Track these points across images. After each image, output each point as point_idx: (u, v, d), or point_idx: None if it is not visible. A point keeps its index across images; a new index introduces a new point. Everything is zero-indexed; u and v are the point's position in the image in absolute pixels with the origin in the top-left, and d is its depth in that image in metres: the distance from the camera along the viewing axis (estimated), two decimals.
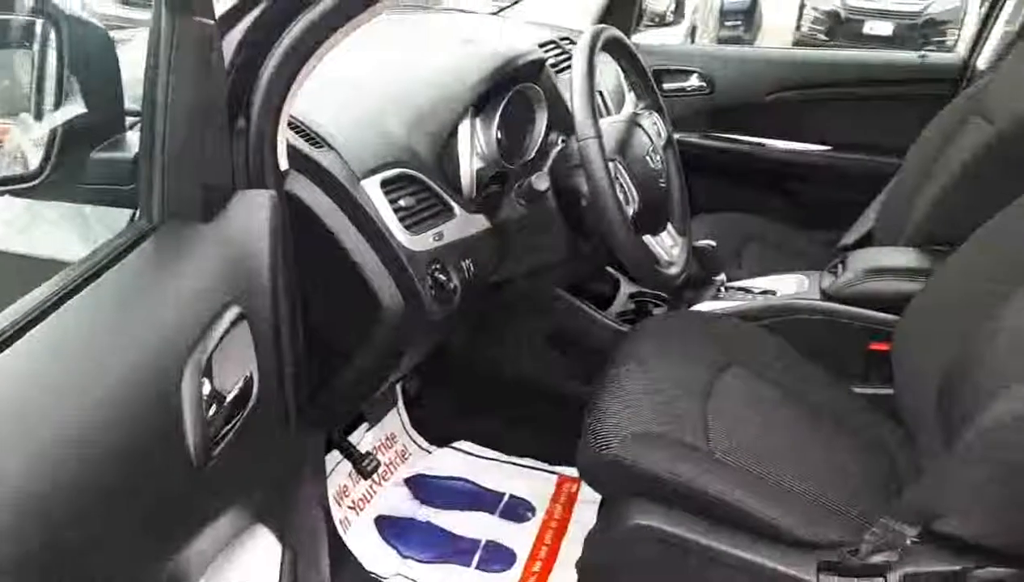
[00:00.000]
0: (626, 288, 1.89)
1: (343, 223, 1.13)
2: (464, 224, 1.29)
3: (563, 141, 1.62)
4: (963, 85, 2.16)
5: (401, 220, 1.18)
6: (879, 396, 1.52)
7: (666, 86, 2.38)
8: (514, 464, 1.83)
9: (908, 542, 1.04)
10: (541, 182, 1.28)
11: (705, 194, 2.40)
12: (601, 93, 1.99)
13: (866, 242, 2.18)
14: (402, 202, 1.19)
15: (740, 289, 1.75)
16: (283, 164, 1.09)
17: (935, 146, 1.94)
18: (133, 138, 1.02)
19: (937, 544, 1.04)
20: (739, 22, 8.77)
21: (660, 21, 2.68)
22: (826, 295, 1.62)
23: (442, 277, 1.21)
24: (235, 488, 0.85)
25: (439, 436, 1.88)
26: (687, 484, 1.18)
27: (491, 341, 1.82)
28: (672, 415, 1.28)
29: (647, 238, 1.38)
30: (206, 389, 0.70)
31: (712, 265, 1.71)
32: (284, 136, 1.08)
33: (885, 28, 8.37)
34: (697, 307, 1.70)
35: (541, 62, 1.50)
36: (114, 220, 0.88)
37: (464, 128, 1.33)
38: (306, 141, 1.14)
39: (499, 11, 2.44)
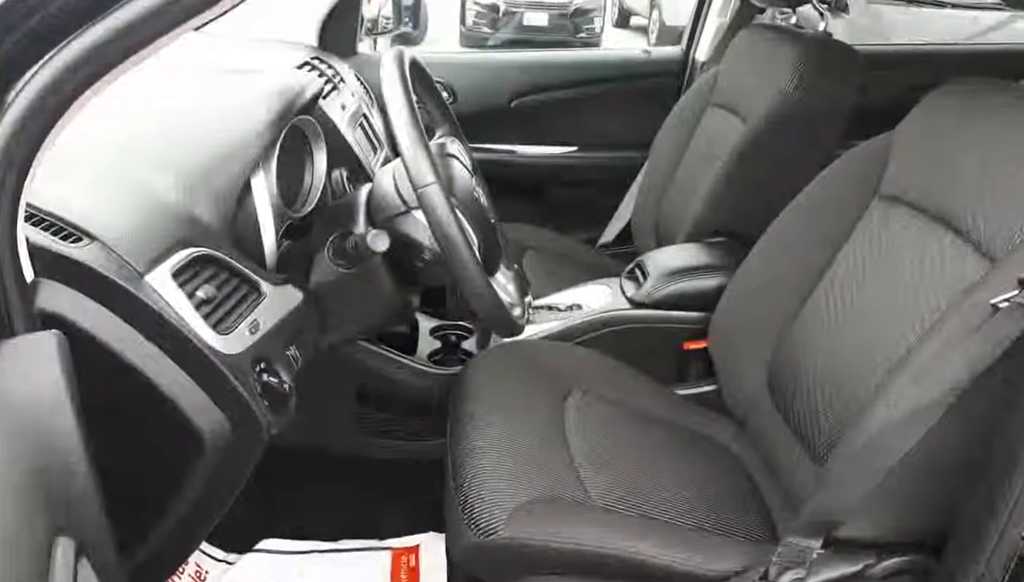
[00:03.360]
0: (426, 324, 1.72)
1: (130, 337, 0.83)
2: (277, 303, 1.04)
3: (348, 178, 1.40)
4: (686, 77, 2.30)
5: (206, 317, 0.90)
6: (702, 394, 1.56)
7: None
8: (338, 550, 1.59)
9: (814, 555, 1.04)
10: (380, 242, 1.07)
11: None
12: (370, 125, 1.79)
13: (624, 237, 2.26)
14: (202, 293, 0.91)
15: (546, 307, 1.68)
16: (28, 273, 0.77)
17: (679, 139, 2.04)
18: None
19: (840, 549, 1.05)
20: (406, 19, 8.80)
21: (373, 28, 2.50)
22: (634, 303, 1.62)
23: (272, 379, 0.95)
24: None
25: (239, 541, 1.57)
26: (582, 547, 1.08)
27: None
28: (542, 471, 1.18)
29: None
30: None
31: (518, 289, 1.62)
32: (23, 234, 0.76)
33: (541, 19, 8.99)
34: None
35: (319, 93, 1.27)
36: None
37: (259, 182, 1.06)
38: (55, 236, 0.82)
39: (200, 26, 2.09)
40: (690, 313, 1.59)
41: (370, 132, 1.75)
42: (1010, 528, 0.87)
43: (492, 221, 1.20)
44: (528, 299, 1.66)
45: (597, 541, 1.09)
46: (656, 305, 1.60)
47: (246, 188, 1.04)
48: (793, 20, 1.88)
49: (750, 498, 1.28)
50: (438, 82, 2.26)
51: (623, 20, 10.86)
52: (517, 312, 1.27)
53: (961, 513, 0.95)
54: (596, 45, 8.92)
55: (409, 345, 1.65)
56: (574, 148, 2.34)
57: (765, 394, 1.35)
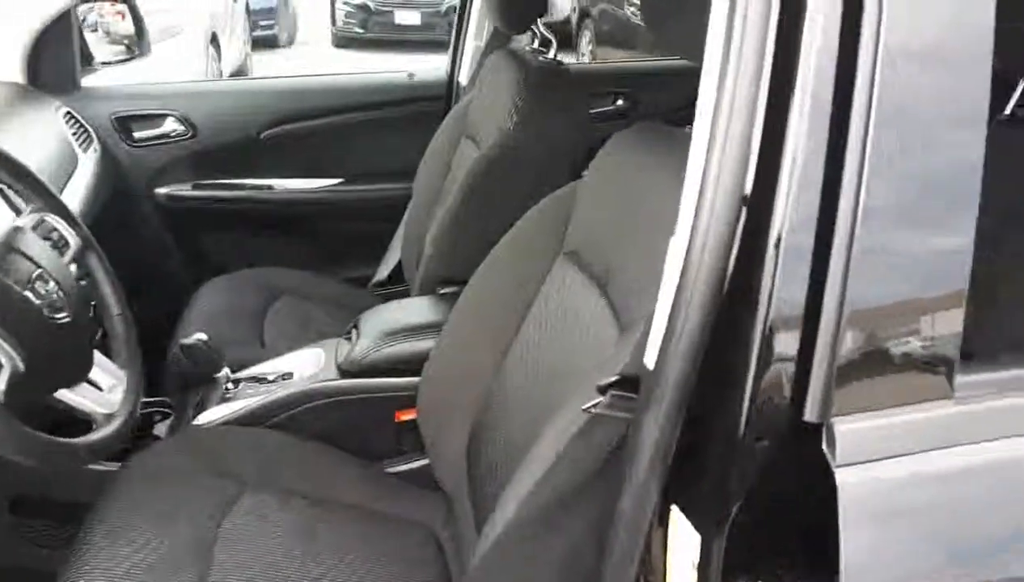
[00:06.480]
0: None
1: None
2: None
3: None
4: (453, 102, 2.14)
5: None
6: (415, 470, 1.40)
7: (138, 135, 2.00)
8: None
9: None
10: None
11: (210, 255, 2.10)
12: None
13: (400, 274, 2.09)
14: None
15: (252, 379, 1.48)
16: None
17: (437, 170, 1.89)
18: None
19: None
20: (272, 22, 8.51)
21: (133, 48, 2.24)
22: (342, 370, 1.44)
23: None
24: None
25: None
26: None
27: None
28: None
29: (64, 394, 1.03)
30: None
31: (208, 363, 1.43)
32: None
33: (413, 18, 8.80)
34: (200, 419, 1.40)
35: None
36: None
37: None
38: None
39: None
40: (403, 379, 1.43)
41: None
42: None
43: (62, 319, 0.99)
44: (224, 372, 1.48)
45: None
46: (366, 372, 1.43)
47: None
48: (535, 44, 1.74)
49: None
50: (173, 115, 2.07)
51: None
52: (112, 428, 1.07)
53: None
54: None
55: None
56: (340, 180, 2.16)
57: (464, 474, 1.22)
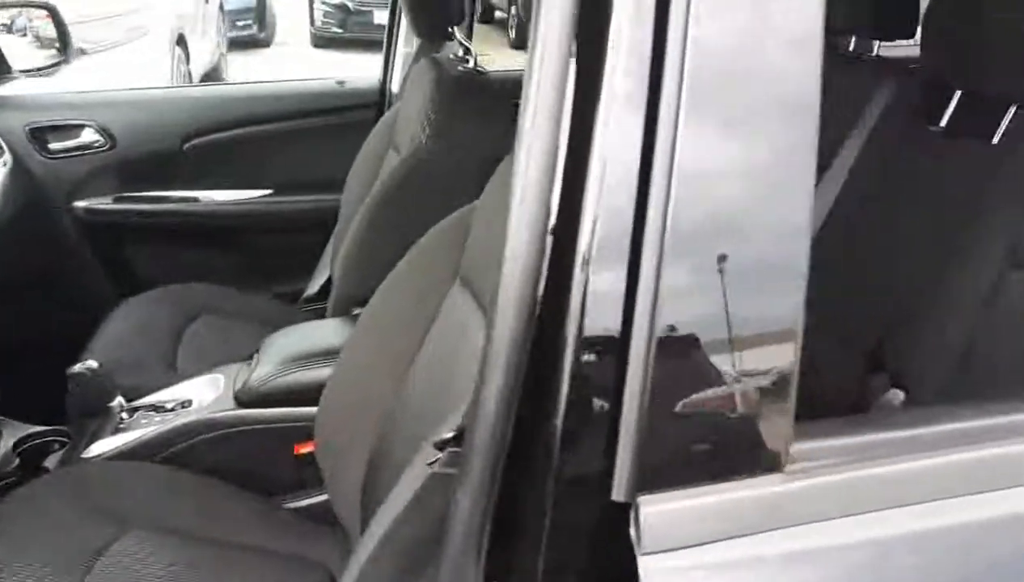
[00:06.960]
0: (10, 435, 1.42)
1: None
2: None
3: None
4: (385, 109, 2.07)
5: None
6: (313, 506, 1.33)
7: (54, 146, 1.92)
8: None
9: None
10: None
11: (133, 271, 2.02)
12: None
13: (330, 289, 2.02)
14: None
15: (150, 408, 1.40)
16: None
17: (365, 180, 1.81)
18: None
19: None
20: (249, 21, 8.41)
21: (64, 51, 2.16)
22: (238, 400, 1.36)
23: None
24: None
25: None
26: None
27: None
28: None
29: None
30: None
31: (99, 391, 1.35)
32: None
33: None
34: (90, 451, 1.32)
35: None
36: None
37: None
38: None
39: None
40: (304, 409, 1.35)
41: None
42: None
43: None
44: (118, 401, 1.40)
45: None
46: (264, 401, 1.35)
47: None
48: (460, 52, 1.66)
49: None
50: (90, 125, 1.99)
51: (487, 15, 10.62)
52: None
53: None
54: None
55: None
56: (269, 191, 2.08)
57: (358, 508, 1.15)
